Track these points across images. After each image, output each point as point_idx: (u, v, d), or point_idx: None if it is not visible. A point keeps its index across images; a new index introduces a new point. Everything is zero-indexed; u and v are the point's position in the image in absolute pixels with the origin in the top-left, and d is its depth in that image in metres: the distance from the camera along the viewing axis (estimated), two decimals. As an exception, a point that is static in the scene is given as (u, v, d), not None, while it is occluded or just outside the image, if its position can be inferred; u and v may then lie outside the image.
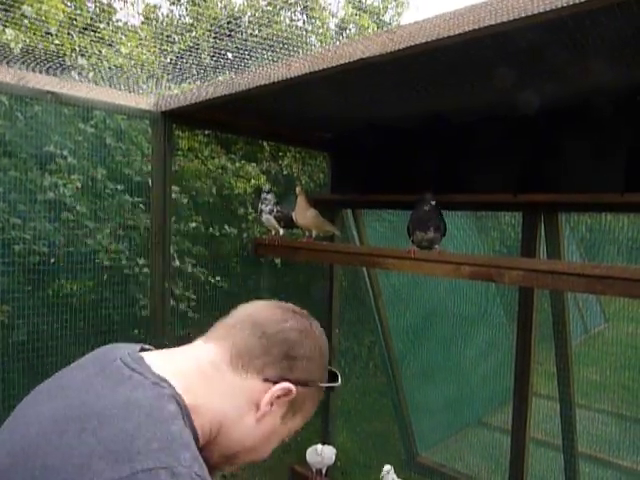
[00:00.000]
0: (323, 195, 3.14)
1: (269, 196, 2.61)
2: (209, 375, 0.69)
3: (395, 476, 2.62)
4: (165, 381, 0.63)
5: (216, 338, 0.74)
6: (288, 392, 0.72)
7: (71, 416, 0.58)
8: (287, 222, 2.64)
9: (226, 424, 0.69)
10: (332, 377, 0.84)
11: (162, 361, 0.68)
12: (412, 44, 1.29)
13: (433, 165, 2.36)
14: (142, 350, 0.72)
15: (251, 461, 0.77)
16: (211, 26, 2.80)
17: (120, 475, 0.51)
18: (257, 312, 0.77)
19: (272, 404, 0.72)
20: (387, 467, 2.61)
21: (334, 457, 3.00)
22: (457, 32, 1.19)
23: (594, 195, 1.90)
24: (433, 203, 2.03)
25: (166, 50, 2.46)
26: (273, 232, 2.68)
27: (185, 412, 0.63)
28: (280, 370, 0.71)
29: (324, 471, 2.98)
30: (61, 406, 0.60)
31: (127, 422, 0.56)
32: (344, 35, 4.56)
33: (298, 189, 2.56)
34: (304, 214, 2.49)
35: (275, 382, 0.71)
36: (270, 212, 2.60)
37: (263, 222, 2.68)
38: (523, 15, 1.09)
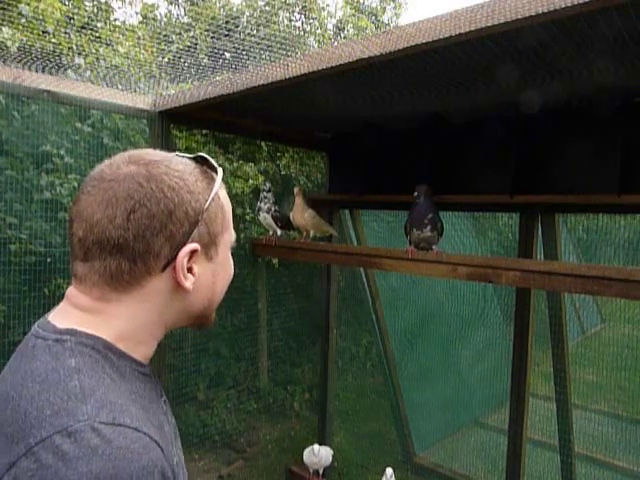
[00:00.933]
0: (321, 195, 3.14)
1: (269, 195, 2.60)
2: (115, 301, 0.62)
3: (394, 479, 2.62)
4: (69, 332, 0.58)
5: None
6: (193, 253, 0.63)
7: None
8: (284, 222, 2.63)
9: (171, 318, 0.66)
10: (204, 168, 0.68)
11: (66, 313, 0.63)
12: (410, 45, 1.29)
13: (431, 165, 2.36)
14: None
15: (219, 301, 0.72)
16: (209, 26, 2.79)
17: (17, 456, 0.47)
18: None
19: (190, 270, 0.64)
20: (389, 470, 2.59)
21: (331, 458, 3.00)
22: (454, 33, 1.20)
23: (591, 196, 1.91)
24: (420, 193, 2.01)
25: (164, 50, 2.45)
26: (270, 232, 2.68)
27: (107, 349, 0.58)
28: (166, 249, 0.61)
29: (321, 472, 2.98)
30: None
31: (21, 399, 0.52)
32: (342, 36, 4.56)
33: (296, 189, 2.56)
34: (302, 214, 2.49)
35: (171, 260, 0.62)
36: (268, 211, 2.58)
37: (260, 221, 2.67)
38: (520, 17, 1.09)
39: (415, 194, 2.05)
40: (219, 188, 0.67)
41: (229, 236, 0.70)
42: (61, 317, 0.62)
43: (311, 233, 2.54)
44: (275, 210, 2.59)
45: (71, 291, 0.63)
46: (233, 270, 0.74)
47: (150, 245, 0.59)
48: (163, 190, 0.60)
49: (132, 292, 0.61)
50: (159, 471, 0.51)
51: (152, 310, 0.63)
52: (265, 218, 2.60)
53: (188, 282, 0.63)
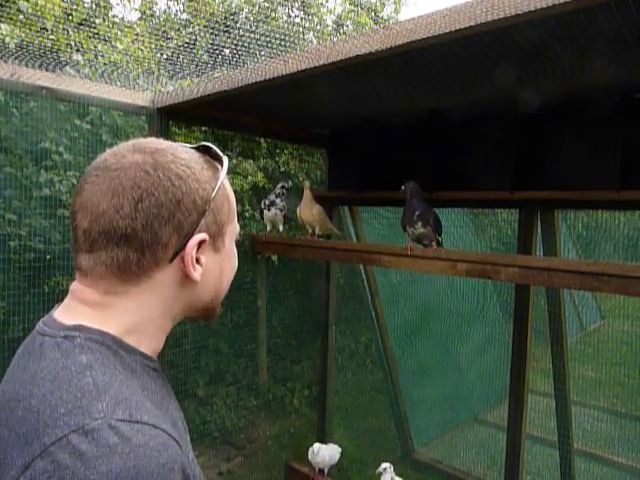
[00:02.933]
0: (320, 192, 3.14)
1: (285, 192, 2.57)
2: (122, 294, 0.60)
3: (394, 475, 2.63)
4: (77, 328, 0.56)
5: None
6: (202, 243, 0.62)
7: None
8: (287, 219, 2.62)
9: (178, 310, 0.64)
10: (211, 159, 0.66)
11: (72, 308, 0.61)
12: (409, 41, 1.29)
13: (430, 162, 2.36)
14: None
15: (225, 291, 0.70)
16: (208, 22, 2.78)
17: (32, 456, 0.46)
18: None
19: (198, 261, 0.62)
20: (384, 465, 2.62)
21: (338, 455, 3.00)
22: (453, 29, 1.19)
23: (590, 192, 1.91)
24: (407, 189, 2.01)
25: (162, 46, 2.45)
26: (268, 229, 2.66)
27: (116, 345, 0.57)
28: (175, 239, 0.59)
29: (326, 470, 2.98)
30: None
31: (32, 398, 0.50)
32: (341, 32, 4.55)
33: (306, 184, 2.50)
34: (310, 210, 2.44)
35: (179, 251, 0.60)
36: (282, 209, 2.53)
37: (268, 215, 2.59)
38: (519, 12, 1.09)
39: (402, 188, 2.03)
40: (224, 178, 0.66)
41: (234, 227, 0.69)
42: (67, 313, 0.60)
43: (317, 230, 2.51)
44: (287, 209, 2.56)
45: (76, 286, 0.61)
46: (237, 263, 0.73)
47: (158, 235, 0.57)
48: (170, 178, 0.58)
49: (140, 284, 0.59)
50: (179, 467, 0.50)
51: (160, 302, 0.61)
52: (276, 214, 2.55)
53: (196, 273, 0.61)
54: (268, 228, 2.65)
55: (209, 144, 0.66)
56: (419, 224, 1.98)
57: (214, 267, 0.65)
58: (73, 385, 0.50)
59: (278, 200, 2.54)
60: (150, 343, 0.62)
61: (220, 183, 0.64)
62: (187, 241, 0.60)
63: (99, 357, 0.55)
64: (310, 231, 2.53)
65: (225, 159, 0.66)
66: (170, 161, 0.59)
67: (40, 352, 0.55)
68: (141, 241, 0.57)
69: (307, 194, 2.47)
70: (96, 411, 0.48)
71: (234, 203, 0.69)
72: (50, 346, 0.55)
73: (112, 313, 0.59)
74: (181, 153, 0.62)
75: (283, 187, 2.58)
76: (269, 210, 2.56)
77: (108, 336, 0.57)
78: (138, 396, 0.54)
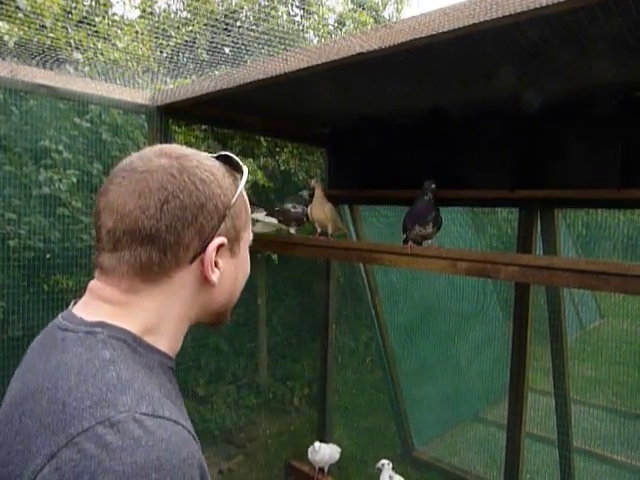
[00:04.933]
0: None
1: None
2: (143, 293, 0.62)
3: (393, 472, 2.64)
4: (99, 325, 0.58)
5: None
6: (220, 247, 0.64)
7: (14, 402, 0.56)
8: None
9: (194, 312, 0.66)
10: (231, 168, 0.69)
11: (92, 306, 0.63)
12: (409, 39, 1.29)
13: (430, 160, 2.35)
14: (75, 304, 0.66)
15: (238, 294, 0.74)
16: (208, 20, 2.78)
17: (58, 446, 0.47)
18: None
19: (216, 264, 0.65)
20: (383, 461, 2.62)
21: (338, 455, 3.00)
22: (454, 27, 1.19)
23: (590, 191, 1.91)
24: (432, 190, 2.01)
25: (162, 44, 2.44)
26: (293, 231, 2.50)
27: (136, 343, 0.59)
28: (196, 242, 0.62)
29: (326, 469, 2.99)
30: (9, 395, 0.59)
31: (58, 390, 0.52)
32: (342, 31, 4.54)
33: (314, 181, 2.42)
34: (322, 209, 2.35)
35: (199, 253, 0.62)
36: (303, 212, 2.41)
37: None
38: (519, 10, 1.08)
39: (424, 191, 2.03)
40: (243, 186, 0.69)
41: (248, 234, 0.72)
42: (87, 310, 0.62)
43: (329, 229, 2.36)
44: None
45: (95, 284, 0.63)
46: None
47: (181, 237, 0.60)
48: (195, 183, 0.61)
49: (160, 284, 0.61)
50: (198, 463, 0.53)
51: (178, 303, 0.63)
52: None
53: (214, 276, 0.64)
54: (293, 231, 2.50)
55: (230, 154, 0.69)
56: (430, 225, 2.01)
57: (230, 271, 0.68)
58: (98, 379, 0.52)
59: (302, 207, 2.42)
60: (169, 343, 0.64)
61: (240, 190, 0.67)
62: (207, 244, 0.62)
63: (121, 353, 0.56)
64: (319, 230, 2.41)
65: (245, 168, 0.70)
66: (195, 166, 0.62)
67: (63, 346, 0.57)
68: (164, 242, 0.59)
69: (319, 193, 2.37)
70: (121, 404, 0.50)
71: (250, 211, 0.72)
72: (73, 340, 0.57)
73: (132, 311, 0.61)
74: (205, 159, 0.65)
75: (309, 190, 2.48)
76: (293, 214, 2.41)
77: (129, 334, 0.59)
78: (158, 393, 0.55)
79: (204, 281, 0.64)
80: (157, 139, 2.23)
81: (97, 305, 0.62)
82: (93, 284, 0.63)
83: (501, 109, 2.13)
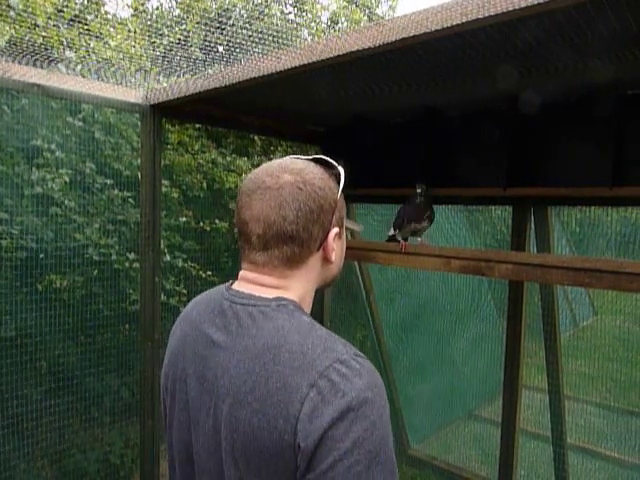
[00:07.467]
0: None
1: None
2: (290, 276, 0.82)
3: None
4: (282, 299, 0.78)
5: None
6: (336, 235, 0.85)
7: (251, 357, 0.72)
8: None
9: (319, 282, 0.87)
10: (328, 169, 0.87)
11: (259, 290, 0.81)
12: (402, 37, 1.28)
13: (424, 159, 2.36)
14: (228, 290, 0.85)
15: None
16: (201, 18, 2.77)
17: (314, 378, 0.67)
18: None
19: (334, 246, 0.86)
20: None
21: None
22: (447, 25, 1.19)
23: (583, 189, 1.91)
24: (421, 192, 2.08)
25: (155, 43, 2.43)
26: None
27: (301, 310, 0.79)
28: (321, 234, 0.81)
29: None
30: (236, 357, 0.74)
31: (290, 345, 0.71)
32: (336, 29, 4.54)
33: None
34: None
35: (323, 241, 0.82)
36: None
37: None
38: (511, 9, 1.09)
39: (418, 191, 2.11)
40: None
41: (345, 219, 0.91)
42: (259, 292, 0.80)
43: None
44: None
45: (250, 275, 0.83)
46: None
47: (312, 233, 0.79)
48: (316, 191, 0.79)
49: (301, 268, 0.82)
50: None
51: (312, 279, 0.85)
52: None
53: (333, 255, 0.85)
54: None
55: (325, 157, 0.87)
56: (426, 222, 2.13)
57: (339, 250, 0.88)
58: (314, 336, 0.73)
59: None
60: (308, 308, 0.85)
61: (341, 187, 0.85)
62: (327, 234, 0.83)
63: (308, 319, 0.77)
64: None
65: (341, 168, 0.87)
66: (312, 177, 0.80)
67: (268, 316, 0.75)
68: (301, 239, 0.79)
69: None
70: (340, 350, 0.71)
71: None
72: (274, 311, 0.76)
73: (289, 290, 0.81)
74: (314, 169, 0.82)
75: None
76: None
77: (297, 304, 0.80)
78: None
79: (326, 261, 0.85)
80: (150, 138, 2.22)
81: (262, 289, 0.81)
82: (248, 274, 0.83)
83: (495, 108, 2.13)
